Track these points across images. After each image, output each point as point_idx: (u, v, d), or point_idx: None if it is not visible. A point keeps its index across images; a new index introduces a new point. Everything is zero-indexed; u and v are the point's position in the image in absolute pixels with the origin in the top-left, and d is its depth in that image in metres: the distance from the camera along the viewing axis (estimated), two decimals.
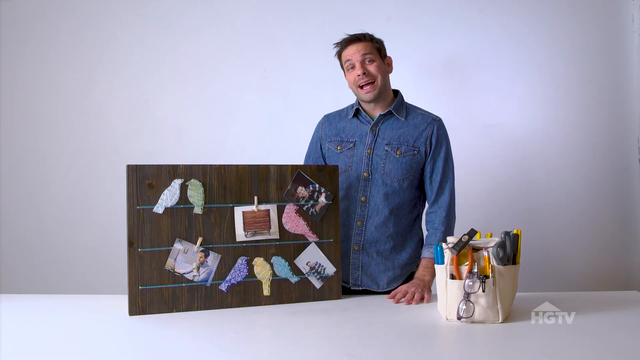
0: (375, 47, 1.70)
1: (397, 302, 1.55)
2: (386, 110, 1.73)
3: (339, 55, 1.74)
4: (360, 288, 1.73)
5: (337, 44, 1.73)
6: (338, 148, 1.77)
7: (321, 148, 1.83)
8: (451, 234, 1.71)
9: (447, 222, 1.71)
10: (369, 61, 1.68)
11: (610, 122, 2.41)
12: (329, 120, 1.84)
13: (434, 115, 1.77)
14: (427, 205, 1.79)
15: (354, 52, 1.69)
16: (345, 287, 1.71)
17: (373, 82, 1.68)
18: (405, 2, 2.48)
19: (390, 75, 1.75)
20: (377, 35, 1.75)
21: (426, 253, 1.71)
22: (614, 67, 2.41)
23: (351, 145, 1.75)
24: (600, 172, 2.42)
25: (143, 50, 2.57)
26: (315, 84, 2.46)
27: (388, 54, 1.76)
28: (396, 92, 1.79)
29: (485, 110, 2.47)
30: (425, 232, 1.78)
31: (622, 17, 2.41)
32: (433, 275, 1.67)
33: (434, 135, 1.72)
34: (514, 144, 2.45)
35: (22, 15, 2.61)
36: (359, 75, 1.68)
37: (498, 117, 2.46)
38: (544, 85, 2.45)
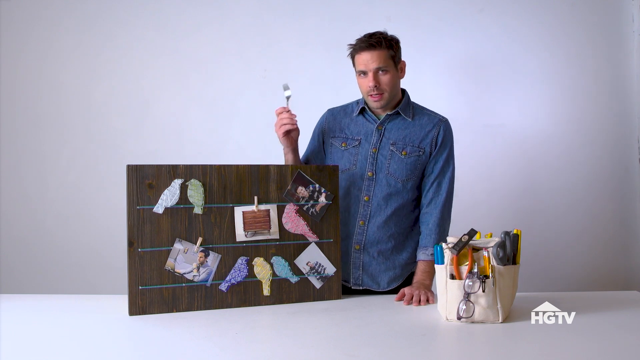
0: (390, 56, 1.64)
1: (408, 303, 1.53)
2: (393, 111, 1.72)
3: (352, 56, 1.69)
4: (361, 287, 1.72)
5: (352, 45, 1.67)
6: (342, 145, 1.76)
7: (323, 142, 1.82)
8: (445, 236, 1.70)
9: (442, 224, 1.70)
10: (382, 72, 1.64)
11: (610, 122, 2.42)
12: (333, 115, 1.82)
13: (440, 115, 1.75)
14: (423, 204, 1.75)
15: (368, 61, 1.63)
16: (345, 286, 1.71)
17: (383, 94, 1.66)
18: (405, 2, 2.48)
19: None
20: None
21: (422, 255, 1.70)
22: (614, 67, 2.41)
23: (356, 143, 1.74)
24: (600, 172, 2.42)
25: (143, 50, 2.57)
26: (316, 83, 2.46)
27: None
28: (403, 91, 1.77)
29: (485, 110, 2.47)
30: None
31: (622, 17, 2.41)
32: (432, 278, 1.67)
33: (440, 136, 1.71)
34: (514, 144, 2.45)
35: (22, 15, 2.61)
36: (369, 87, 1.65)
37: (498, 117, 2.46)
38: (543, 85, 2.45)
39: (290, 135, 1.69)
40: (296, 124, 1.68)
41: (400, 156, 1.70)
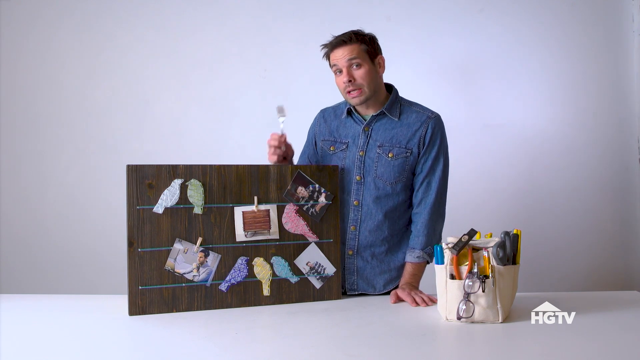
0: (363, 50, 1.61)
1: (415, 305, 1.52)
2: (378, 112, 1.68)
3: (327, 57, 1.67)
4: (357, 292, 1.71)
5: (324, 45, 1.66)
6: (331, 149, 1.73)
7: (315, 144, 1.80)
8: (436, 237, 1.68)
9: (431, 225, 1.66)
10: (356, 66, 1.61)
11: (610, 122, 2.42)
12: (324, 116, 1.79)
13: (429, 112, 1.70)
14: (414, 203, 1.71)
15: (340, 57, 1.61)
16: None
17: (360, 89, 1.63)
18: (405, 2, 2.48)
19: (387, 73, 1.72)
20: (376, 35, 1.70)
21: (409, 257, 1.67)
22: (614, 67, 2.41)
23: (344, 146, 1.71)
24: (600, 172, 2.42)
25: (143, 50, 2.58)
26: (315, 83, 2.46)
27: (384, 53, 1.68)
28: (390, 88, 1.73)
29: (484, 110, 2.47)
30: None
31: (622, 17, 2.41)
32: (419, 280, 1.67)
33: (427, 134, 1.66)
34: (514, 144, 2.45)
35: (22, 15, 2.61)
36: (344, 82, 1.62)
37: (498, 117, 2.46)
38: (543, 85, 2.45)
39: (283, 161, 1.68)
40: (290, 150, 1.68)
41: (387, 158, 1.66)
